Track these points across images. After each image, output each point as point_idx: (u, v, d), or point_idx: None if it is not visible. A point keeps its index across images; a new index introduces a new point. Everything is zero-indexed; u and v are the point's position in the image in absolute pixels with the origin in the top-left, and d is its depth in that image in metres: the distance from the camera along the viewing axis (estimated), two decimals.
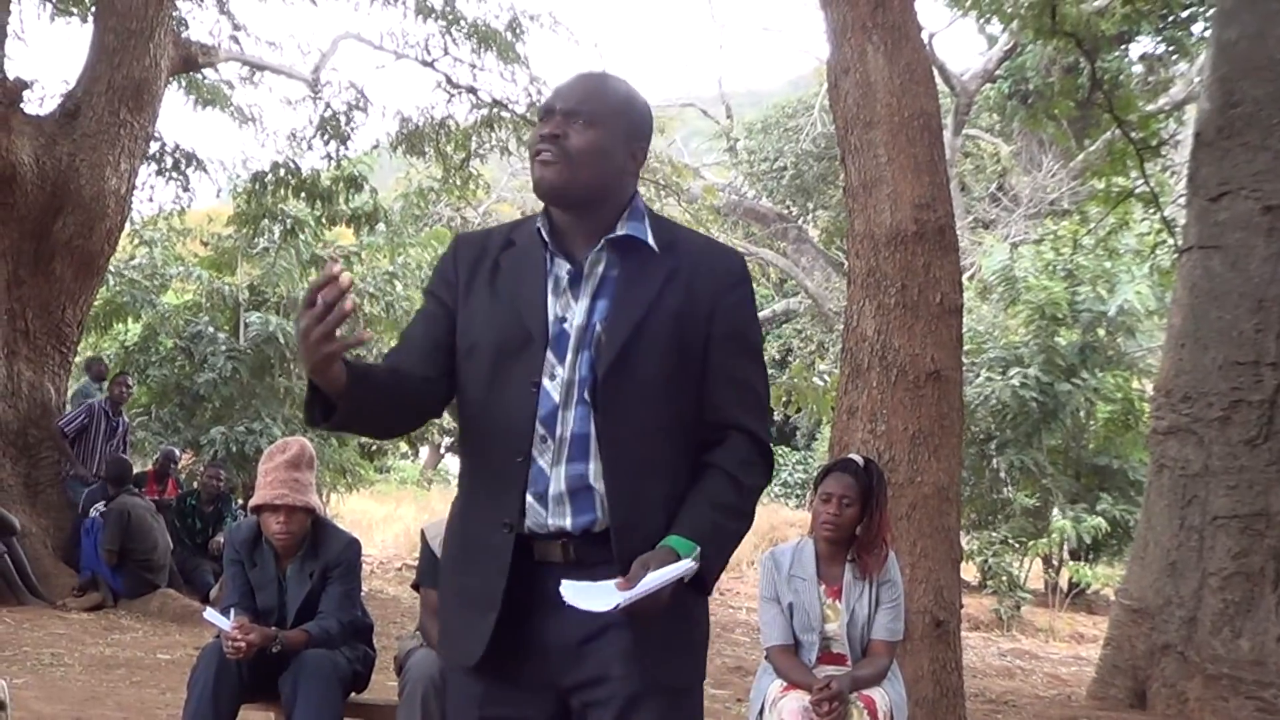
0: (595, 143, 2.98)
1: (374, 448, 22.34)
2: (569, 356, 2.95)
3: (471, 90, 17.10)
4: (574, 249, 3.03)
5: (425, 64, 16.98)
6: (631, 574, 2.78)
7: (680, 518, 2.91)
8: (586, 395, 2.93)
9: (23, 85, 12.67)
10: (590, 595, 2.77)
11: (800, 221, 28.77)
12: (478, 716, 3.04)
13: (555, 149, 2.96)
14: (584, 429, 2.94)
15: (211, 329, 16.89)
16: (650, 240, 3.02)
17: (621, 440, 2.93)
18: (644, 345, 2.94)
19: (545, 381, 2.95)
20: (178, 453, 16.09)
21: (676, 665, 2.99)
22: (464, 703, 3.09)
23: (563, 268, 3.01)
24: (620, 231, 3.01)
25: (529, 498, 2.94)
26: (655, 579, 2.73)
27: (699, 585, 2.92)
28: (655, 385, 2.94)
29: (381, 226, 17.55)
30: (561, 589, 2.80)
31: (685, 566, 2.78)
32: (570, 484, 2.94)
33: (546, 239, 3.03)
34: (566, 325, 2.97)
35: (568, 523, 2.94)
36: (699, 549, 2.84)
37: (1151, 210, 13.01)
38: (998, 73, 24.89)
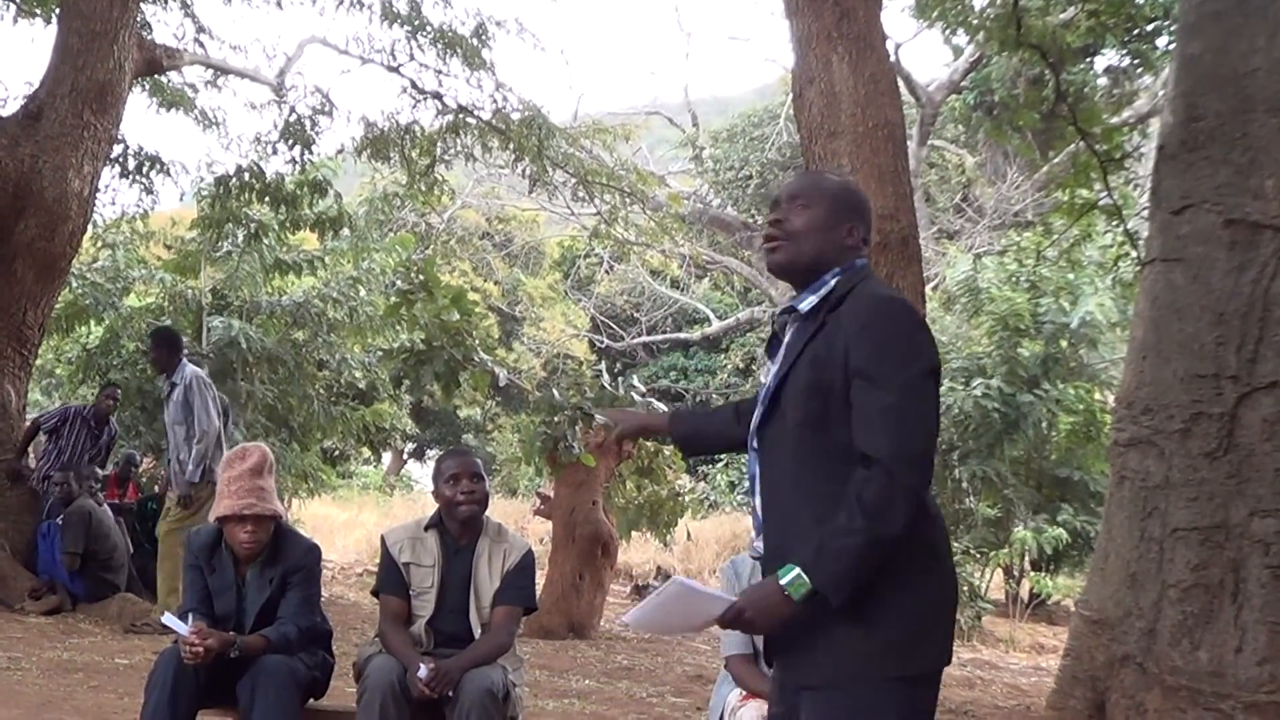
0: (812, 219, 3.52)
1: (336, 453, 22.28)
2: (757, 410, 3.56)
3: (437, 96, 17.05)
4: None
5: (391, 69, 16.92)
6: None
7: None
8: (754, 443, 3.53)
9: None
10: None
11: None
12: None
13: (779, 232, 3.54)
14: (754, 470, 3.54)
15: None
16: (803, 306, 3.51)
17: (774, 476, 3.47)
18: (789, 393, 3.42)
19: (752, 436, 3.58)
20: (138, 456, 16.03)
21: (812, 669, 3.37)
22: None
23: (772, 339, 3.66)
24: (791, 304, 3.57)
25: (753, 531, 3.61)
26: (647, 603, 3.27)
27: (824, 605, 3.22)
28: (796, 426, 3.38)
29: (346, 231, 17.46)
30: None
31: (672, 582, 3.28)
32: (754, 517, 3.57)
33: (775, 316, 3.68)
34: (763, 386, 3.59)
35: (761, 544, 3.53)
36: (797, 569, 3.20)
37: (1115, 223, 13.05)
38: (963, 84, 24.98)
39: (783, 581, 3.18)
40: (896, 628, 3.28)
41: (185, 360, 11.69)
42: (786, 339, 3.54)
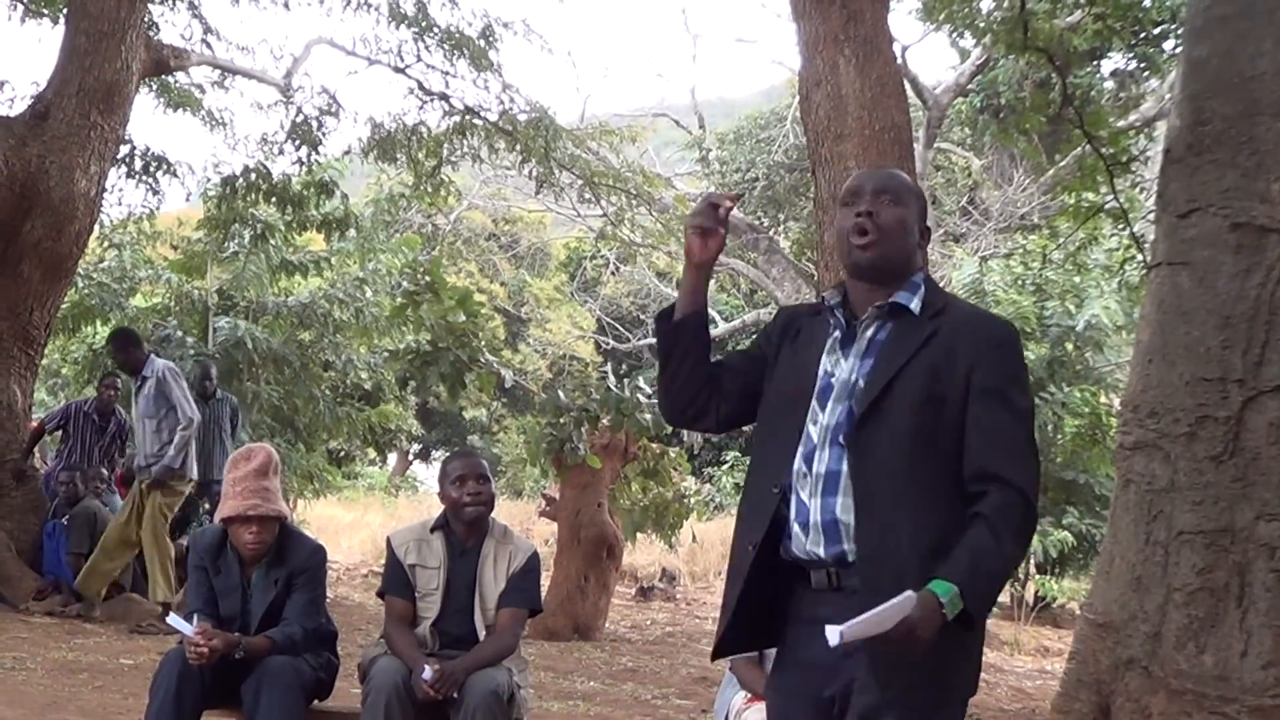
0: (902, 217, 3.46)
1: (342, 454, 22.28)
2: (829, 405, 3.39)
3: (444, 97, 17.06)
4: (857, 314, 3.49)
5: (397, 70, 16.93)
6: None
7: (945, 563, 3.17)
8: (841, 439, 3.33)
9: None
10: (834, 631, 3.08)
11: (771, 233, 28.75)
12: (775, 691, 3.56)
13: (871, 227, 3.42)
14: (836, 467, 3.33)
15: (180, 333, 16.78)
16: (913, 306, 3.42)
17: (872, 480, 3.28)
18: (896, 398, 3.30)
19: (809, 426, 3.40)
20: None
21: (917, 683, 3.21)
22: (772, 707, 3.60)
23: (837, 329, 3.48)
24: (891, 300, 3.42)
25: (795, 526, 3.39)
26: (873, 612, 3.02)
27: (965, 621, 3.15)
28: (904, 433, 3.28)
29: (352, 232, 17.48)
30: (826, 629, 3.09)
31: (900, 599, 3.03)
32: (823, 515, 3.33)
33: (833, 306, 3.51)
34: (833, 379, 3.42)
35: (822, 550, 3.33)
36: (956, 589, 3.11)
37: (1121, 226, 13.04)
38: (970, 87, 24.92)
39: (944, 601, 3.09)
40: (978, 649, 3.38)
41: (152, 354, 11.73)
42: (872, 334, 3.42)
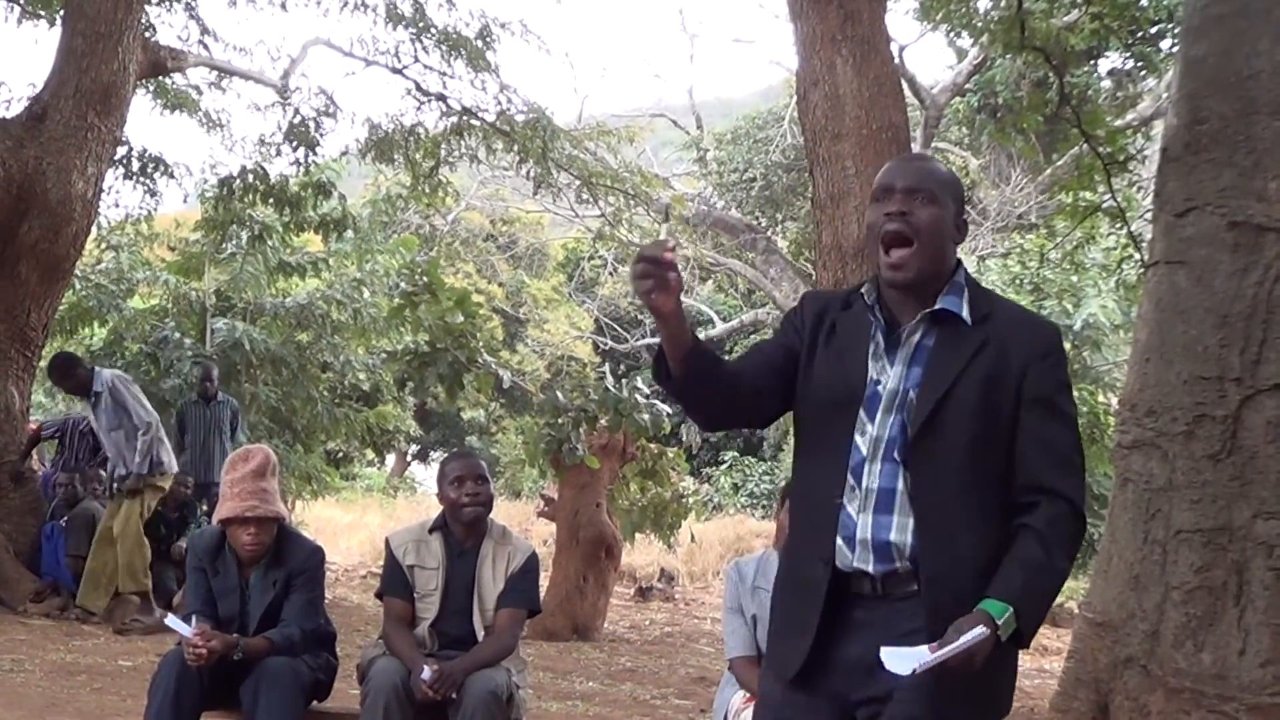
0: (939, 217, 3.29)
1: (340, 455, 22.28)
2: (879, 416, 3.25)
3: (441, 98, 17.06)
4: (898, 317, 3.33)
5: (395, 71, 16.94)
6: (945, 638, 3.03)
7: (995, 581, 3.12)
8: (896, 454, 3.22)
9: None
10: (901, 659, 3.04)
11: (769, 233, 28.77)
12: (774, 717, 3.40)
13: (907, 228, 3.25)
14: (891, 484, 3.22)
15: (178, 334, 16.80)
16: (965, 314, 3.28)
17: (933, 497, 3.19)
18: (952, 410, 3.20)
19: (856, 437, 3.26)
20: None
21: (962, 702, 3.16)
22: (766, 704, 3.47)
23: (881, 333, 3.32)
24: (937, 306, 3.28)
25: (839, 540, 3.25)
26: (952, 647, 2.97)
27: (1017, 640, 3.12)
28: (962, 446, 3.19)
29: (349, 233, 17.49)
30: (881, 654, 3.06)
31: (977, 633, 2.99)
32: (875, 533, 3.22)
33: (872, 306, 3.35)
34: (880, 387, 3.28)
35: (870, 568, 3.23)
36: (1011, 610, 3.06)
37: (1118, 225, 13.05)
38: (967, 86, 24.93)
39: (999, 622, 3.04)
40: (1017, 666, 3.36)
41: (95, 368, 11.71)
42: (919, 340, 3.29)
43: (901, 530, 3.20)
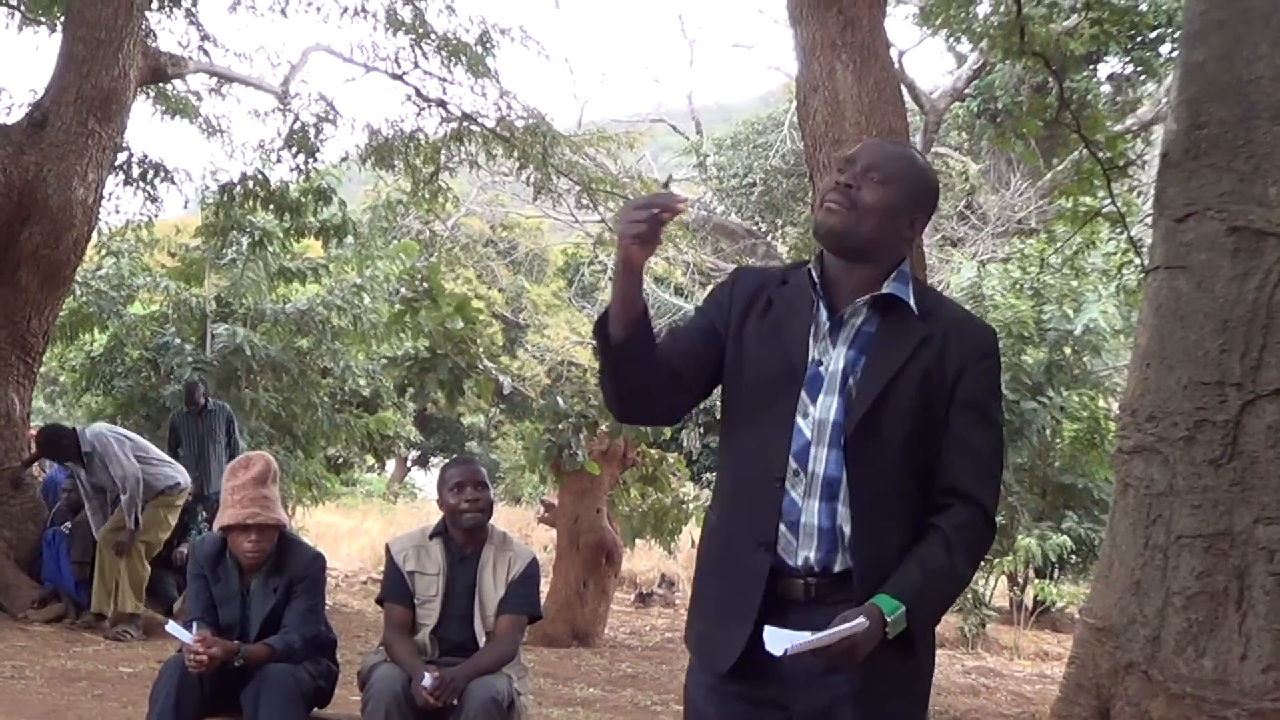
0: (884, 199, 3.20)
1: (340, 461, 22.29)
2: (820, 399, 3.18)
3: (441, 104, 17.07)
4: (839, 299, 3.25)
5: (395, 77, 16.95)
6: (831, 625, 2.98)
7: (893, 578, 3.09)
8: (842, 440, 3.15)
9: None
10: (779, 639, 2.99)
11: (769, 238, 28.74)
12: (712, 689, 3.29)
13: (844, 199, 3.19)
14: (837, 473, 3.15)
15: (178, 340, 16.83)
16: (912, 302, 3.23)
17: (870, 488, 3.14)
18: (893, 402, 3.15)
19: (799, 419, 3.17)
20: None
21: (898, 709, 3.20)
22: (702, 702, 3.33)
23: (824, 314, 3.23)
24: (884, 290, 3.21)
25: (782, 526, 3.18)
26: (828, 633, 2.93)
27: (905, 642, 3.07)
28: (898, 440, 3.15)
29: (350, 239, 17.51)
30: (764, 633, 3.02)
31: (857, 623, 2.94)
32: (821, 520, 3.16)
33: (815, 284, 3.26)
34: (822, 369, 3.20)
35: (813, 554, 3.16)
36: (903, 609, 3.02)
37: (1118, 230, 13.05)
38: (966, 91, 24.93)
39: (889, 619, 3.01)
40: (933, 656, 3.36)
41: (77, 429, 11.62)
42: (861, 324, 3.22)
43: (845, 520, 3.15)
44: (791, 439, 3.17)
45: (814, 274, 3.26)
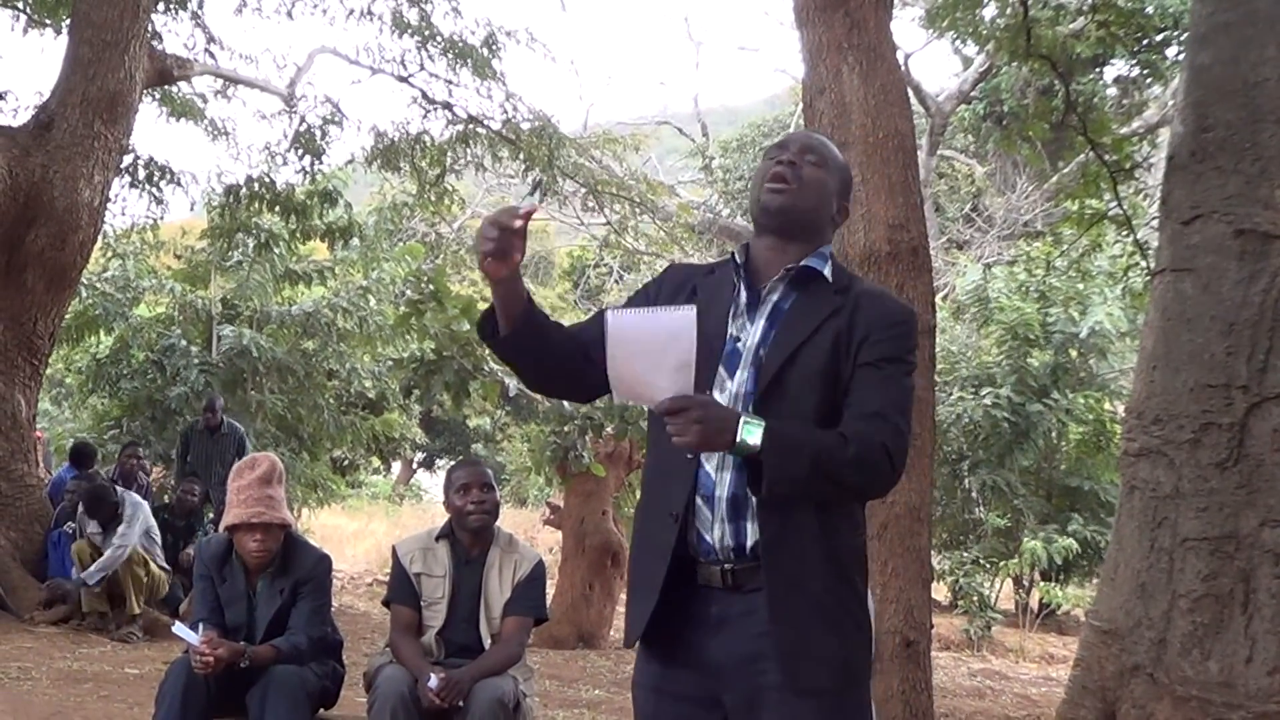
0: (822, 179, 3.32)
1: (346, 462, 22.30)
2: (738, 373, 3.19)
3: (447, 106, 17.09)
4: (761, 279, 3.31)
5: (401, 79, 16.97)
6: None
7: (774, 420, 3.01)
8: (750, 409, 3.10)
9: None
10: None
11: None
12: (653, 690, 3.31)
13: (790, 174, 3.28)
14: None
15: (184, 342, 16.85)
16: (826, 273, 3.28)
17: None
18: (799, 369, 3.14)
19: (715, 393, 3.15)
20: (148, 465, 16.02)
21: (821, 670, 3.11)
22: (643, 702, 3.35)
23: (744, 293, 3.28)
24: (802, 263, 3.27)
25: (697, 499, 3.17)
26: (651, 313, 2.98)
27: (752, 478, 3.02)
28: (807, 407, 3.12)
29: (355, 241, 17.54)
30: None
31: (687, 310, 2.95)
32: (733, 489, 3.14)
33: (739, 266, 3.32)
34: (740, 344, 3.23)
35: (727, 529, 3.14)
36: (763, 430, 2.93)
37: (1124, 233, 13.05)
38: (973, 94, 24.95)
39: (744, 420, 2.92)
40: (871, 631, 3.29)
41: (123, 494, 11.64)
42: (778, 300, 3.26)
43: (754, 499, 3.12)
44: None
45: (738, 258, 3.34)
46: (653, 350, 2.92)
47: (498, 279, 3.16)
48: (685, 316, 2.93)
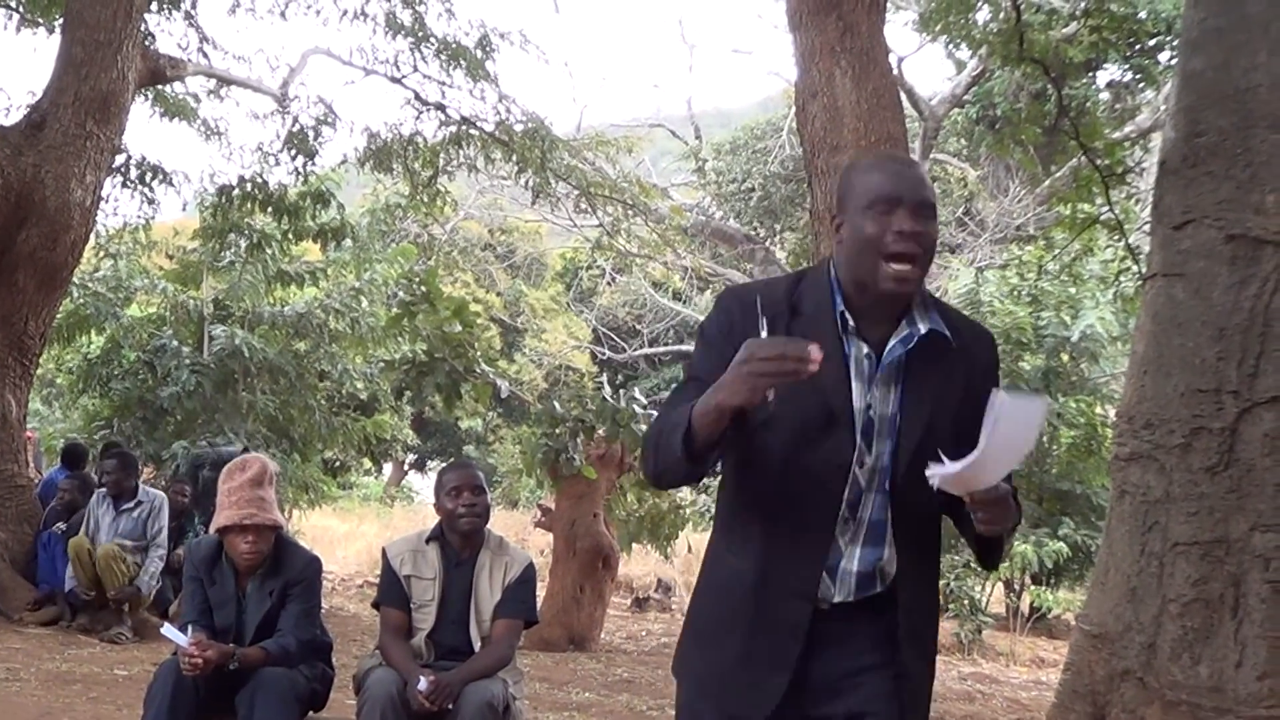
0: (936, 234, 3.09)
1: (337, 464, 22.28)
2: (875, 445, 3.05)
3: (440, 107, 17.09)
4: (869, 331, 3.07)
5: (394, 80, 16.97)
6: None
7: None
8: (887, 484, 3.05)
9: None
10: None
11: (767, 243, 28.77)
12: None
13: (918, 247, 2.99)
14: (882, 516, 3.07)
15: (175, 342, 16.81)
16: (947, 332, 3.09)
17: (913, 527, 3.08)
18: (935, 438, 2.96)
19: (855, 468, 3.04)
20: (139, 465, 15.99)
21: (923, 702, 3.24)
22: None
23: (862, 351, 3.05)
24: (922, 326, 3.05)
25: (823, 572, 3.08)
26: (1004, 409, 2.75)
27: (990, 556, 3.16)
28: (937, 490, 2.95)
29: (348, 242, 17.51)
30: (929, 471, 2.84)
31: (1038, 404, 2.84)
32: (862, 565, 3.09)
33: (848, 319, 3.06)
34: (873, 413, 3.05)
35: (851, 598, 3.09)
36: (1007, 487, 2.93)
37: (1116, 237, 13.05)
38: (965, 98, 24.97)
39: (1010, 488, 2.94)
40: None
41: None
42: (897, 361, 3.06)
43: (890, 562, 3.09)
44: (847, 487, 3.04)
45: (838, 306, 3.07)
46: (1015, 435, 2.80)
47: (750, 408, 2.81)
48: (1039, 409, 2.84)
